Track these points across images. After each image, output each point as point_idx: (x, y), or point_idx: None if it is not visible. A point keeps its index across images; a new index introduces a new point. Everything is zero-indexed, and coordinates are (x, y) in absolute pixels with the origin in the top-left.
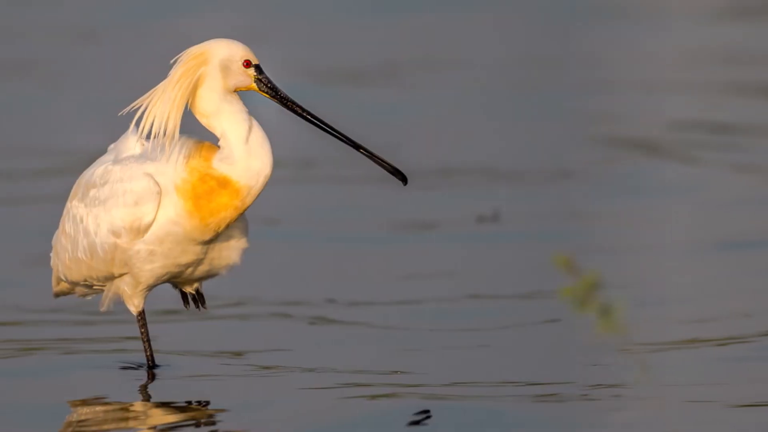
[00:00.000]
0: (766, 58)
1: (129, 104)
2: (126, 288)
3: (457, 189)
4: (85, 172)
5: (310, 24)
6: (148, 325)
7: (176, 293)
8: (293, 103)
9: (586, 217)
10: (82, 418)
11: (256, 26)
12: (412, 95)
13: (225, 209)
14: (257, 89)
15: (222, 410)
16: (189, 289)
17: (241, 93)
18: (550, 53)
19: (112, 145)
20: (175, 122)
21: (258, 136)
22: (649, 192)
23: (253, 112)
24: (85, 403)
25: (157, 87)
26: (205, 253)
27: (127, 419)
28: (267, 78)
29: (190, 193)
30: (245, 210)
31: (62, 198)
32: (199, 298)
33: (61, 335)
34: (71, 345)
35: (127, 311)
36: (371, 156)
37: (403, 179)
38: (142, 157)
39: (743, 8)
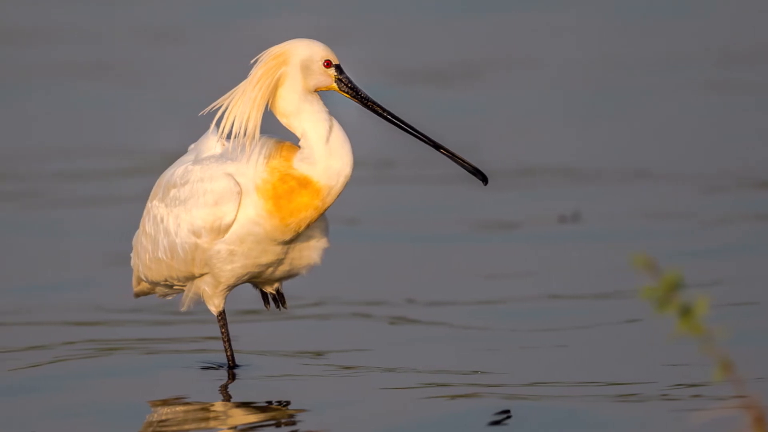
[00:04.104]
0: None
1: (209, 104)
2: (206, 288)
3: (537, 189)
4: (165, 172)
5: (390, 24)
6: (229, 325)
7: (257, 293)
8: (374, 103)
9: (666, 217)
10: (163, 418)
11: (336, 26)
12: (492, 95)
13: (305, 209)
14: (338, 89)
15: (302, 410)
16: (269, 289)
17: (321, 93)
18: (627, 53)
19: (192, 145)
20: (255, 122)
21: (338, 136)
22: None
23: (333, 112)
24: (165, 403)
25: (237, 87)
26: (286, 253)
27: (207, 419)
28: (347, 78)
29: (271, 193)
30: (325, 210)
31: (143, 198)
32: (279, 298)
33: (141, 335)
34: (152, 345)
35: (208, 311)
36: (452, 156)
37: (484, 179)
38: (223, 157)
39: None
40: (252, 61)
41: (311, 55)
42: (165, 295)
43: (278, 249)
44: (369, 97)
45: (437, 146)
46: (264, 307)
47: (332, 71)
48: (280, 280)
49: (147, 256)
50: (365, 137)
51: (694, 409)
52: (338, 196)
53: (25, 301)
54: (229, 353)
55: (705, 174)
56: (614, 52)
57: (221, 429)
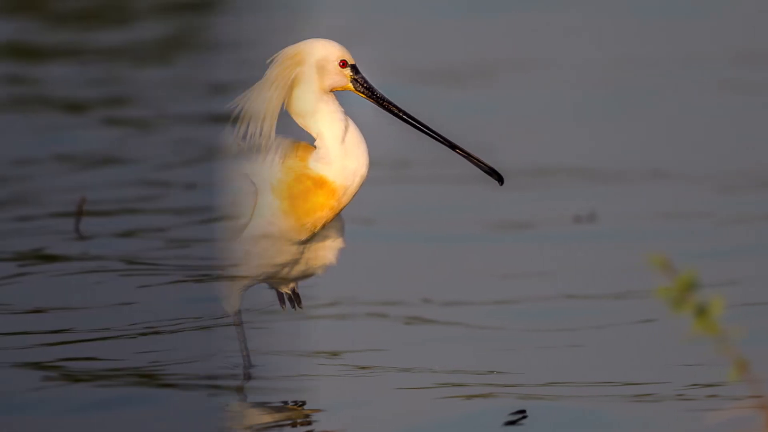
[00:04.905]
0: None
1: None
2: (222, 288)
3: (552, 189)
4: None
5: (404, 24)
6: (244, 325)
7: (272, 293)
8: (389, 103)
9: (681, 217)
10: None
11: (351, 26)
12: (507, 95)
13: (321, 209)
14: (353, 89)
15: (318, 410)
16: (285, 289)
17: (336, 93)
18: (642, 53)
19: None
20: (270, 123)
21: (354, 136)
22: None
23: (348, 112)
24: None
25: (252, 87)
26: (301, 253)
27: (222, 419)
28: (363, 78)
29: (286, 193)
30: (341, 210)
31: None
32: (295, 298)
33: None
34: None
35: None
36: (467, 156)
37: (500, 179)
38: (238, 158)
39: None
40: (267, 62)
41: (327, 55)
42: None
43: (294, 249)
44: (385, 97)
45: (453, 146)
46: (279, 307)
47: (348, 71)
48: (295, 280)
49: None
50: (381, 137)
51: (710, 409)
52: (354, 196)
53: None
54: (244, 353)
55: (720, 174)
56: (628, 52)
57: (236, 429)
